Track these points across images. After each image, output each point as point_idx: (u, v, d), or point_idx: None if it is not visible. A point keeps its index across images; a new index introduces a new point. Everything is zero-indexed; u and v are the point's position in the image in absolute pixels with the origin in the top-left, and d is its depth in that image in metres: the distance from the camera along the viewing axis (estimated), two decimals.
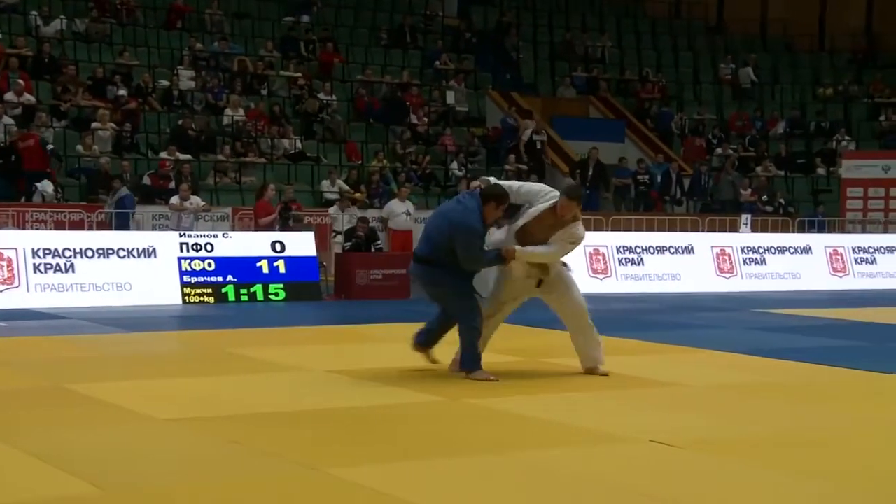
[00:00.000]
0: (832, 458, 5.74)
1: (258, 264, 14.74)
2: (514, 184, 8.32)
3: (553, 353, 9.56)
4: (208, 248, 14.52)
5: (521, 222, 7.88)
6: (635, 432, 6.22)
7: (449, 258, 7.77)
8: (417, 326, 8.42)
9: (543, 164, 23.86)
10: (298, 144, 22.05)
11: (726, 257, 17.77)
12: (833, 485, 5.16)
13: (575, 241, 7.99)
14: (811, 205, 24.44)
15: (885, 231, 22.32)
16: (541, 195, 7.93)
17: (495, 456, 5.64)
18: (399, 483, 5.04)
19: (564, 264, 8.22)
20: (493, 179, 8.14)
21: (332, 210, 18.72)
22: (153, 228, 17.36)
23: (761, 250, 18.14)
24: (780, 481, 5.20)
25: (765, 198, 24.20)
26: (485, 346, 8.16)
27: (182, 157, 19.97)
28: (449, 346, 8.20)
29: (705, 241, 18.00)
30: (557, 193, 7.91)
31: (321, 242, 17.04)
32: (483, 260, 7.84)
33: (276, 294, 14.68)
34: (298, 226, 16.81)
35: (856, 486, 5.15)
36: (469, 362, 7.96)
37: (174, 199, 17.01)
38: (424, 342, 8.30)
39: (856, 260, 18.97)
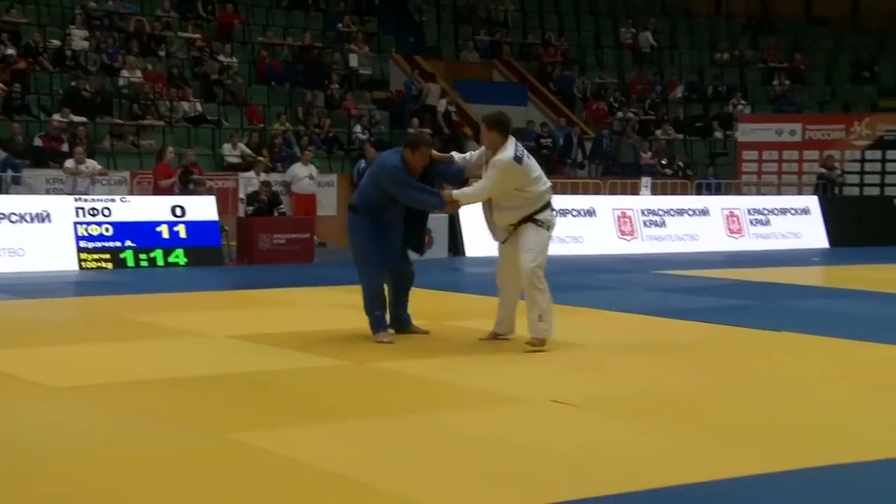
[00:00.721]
0: (721, 414, 5.90)
1: (158, 229, 14.49)
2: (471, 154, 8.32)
3: (457, 316, 9.61)
4: (105, 212, 14.21)
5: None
6: (537, 393, 6.31)
7: (370, 205, 7.91)
8: (328, 291, 8.39)
9: (458, 134, 23.87)
10: (198, 107, 21.64)
11: (627, 220, 18.07)
12: (719, 438, 5.30)
13: (496, 165, 7.59)
14: (710, 168, 24.92)
15: (779, 193, 22.91)
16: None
17: (398, 419, 5.66)
18: (301, 447, 5.03)
19: (542, 224, 7.73)
20: (456, 154, 8.39)
21: (247, 174, 18.40)
22: (47, 193, 16.91)
23: (661, 213, 18.48)
24: (671, 437, 5.33)
25: (664, 161, 24.62)
26: (507, 327, 8.05)
27: (76, 119, 19.44)
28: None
29: (607, 204, 18.27)
30: None
31: (223, 206, 16.82)
32: (415, 195, 7.82)
33: (177, 259, 14.47)
34: (200, 190, 16.55)
35: (737, 438, 5.30)
36: (371, 324, 8.04)
37: (69, 163, 16.56)
38: (399, 321, 8.24)
39: (751, 221, 19.46)
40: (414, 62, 25.72)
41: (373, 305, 8.04)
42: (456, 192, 7.85)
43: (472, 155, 8.21)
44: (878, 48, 29.39)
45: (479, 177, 7.94)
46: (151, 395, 6.20)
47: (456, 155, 8.36)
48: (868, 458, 4.91)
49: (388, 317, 8.16)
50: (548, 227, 7.79)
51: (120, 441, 5.21)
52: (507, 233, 7.83)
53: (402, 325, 8.28)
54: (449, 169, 8.12)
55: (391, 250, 8.04)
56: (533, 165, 7.77)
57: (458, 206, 8.05)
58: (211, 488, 4.45)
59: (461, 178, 8.13)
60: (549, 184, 7.85)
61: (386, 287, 8.19)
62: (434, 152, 8.10)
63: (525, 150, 7.86)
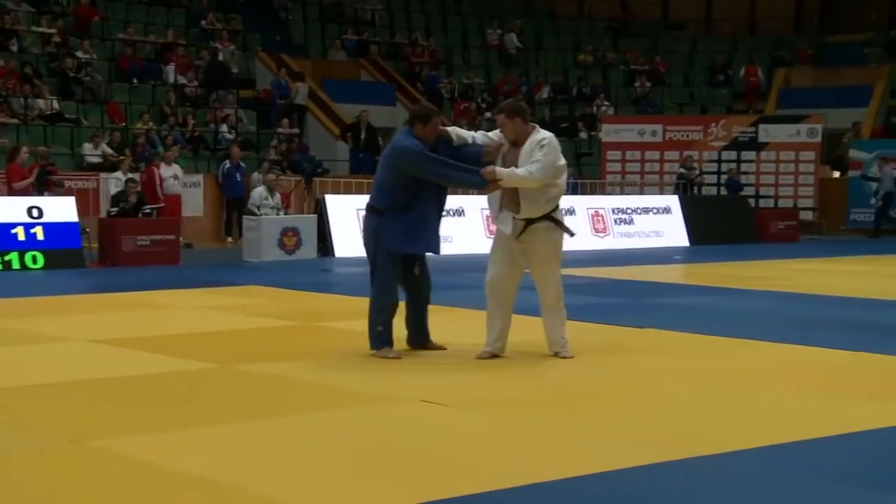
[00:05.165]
0: (589, 409, 6.01)
1: (13, 231, 14.00)
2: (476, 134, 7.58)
3: (326, 316, 9.55)
4: None
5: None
6: (407, 393, 6.30)
7: (395, 201, 7.16)
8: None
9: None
10: (55, 105, 20.95)
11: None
12: (589, 433, 5.40)
13: (545, 144, 6.99)
14: (575, 168, 25.37)
15: (642, 192, 23.48)
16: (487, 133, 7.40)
17: (266, 421, 5.58)
18: (167, 453, 4.91)
19: (566, 229, 7.29)
20: (455, 128, 7.58)
21: (111, 174, 17.87)
22: None
23: None
24: (535, 432, 5.40)
25: None
26: (496, 337, 7.33)
27: None
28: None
29: (475, 204, 18.40)
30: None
31: (84, 208, 16.33)
32: (451, 174, 7.09)
33: (35, 262, 13.98)
34: (59, 190, 16.01)
35: (606, 432, 5.41)
36: (371, 340, 7.41)
37: None
38: (414, 340, 7.60)
39: (615, 220, 19.89)
40: (281, 61, 25.45)
41: (377, 320, 7.32)
42: (502, 170, 6.97)
43: (474, 136, 7.41)
44: (731, 52, 30.45)
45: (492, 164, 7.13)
46: (8, 403, 5.96)
47: (455, 131, 7.45)
48: (729, 448, 5.07)
49: (392, 332, 7.40)
50: (570, 232, 7.32)
51: None
52: (517, 228, 7.11)
53: (423, 340, 7.59)
54: (465, 151, 7.25)
55: (428, 245, 7.33)
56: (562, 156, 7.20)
57: (499, 187, 7.06)
58: (71, 496, 4.30)
59: (480, 160, 7.20)
60: None
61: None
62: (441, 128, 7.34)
63: None
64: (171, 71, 23.33)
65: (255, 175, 19.17)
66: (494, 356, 7.34)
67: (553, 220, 7.21)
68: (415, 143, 7.15)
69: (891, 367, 7.39)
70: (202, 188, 20.12)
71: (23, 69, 21.32)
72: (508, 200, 7.14)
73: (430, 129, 7.20)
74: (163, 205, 17.34)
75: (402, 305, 7.58)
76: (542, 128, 7.42)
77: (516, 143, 7.19)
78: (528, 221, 7.13)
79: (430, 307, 7.70)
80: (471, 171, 7.08)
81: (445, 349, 7.64)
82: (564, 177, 7.20)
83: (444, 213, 7.57)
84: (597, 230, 19.56)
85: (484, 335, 7.45)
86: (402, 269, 7.42)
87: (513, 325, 7.51)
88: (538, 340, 7.92)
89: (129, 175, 17.26)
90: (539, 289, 7.35)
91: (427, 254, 7.51)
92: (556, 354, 7.43)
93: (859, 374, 7.18)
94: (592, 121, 27.54)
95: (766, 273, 14.51)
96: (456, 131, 7.51)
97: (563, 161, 7.19)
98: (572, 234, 7.39)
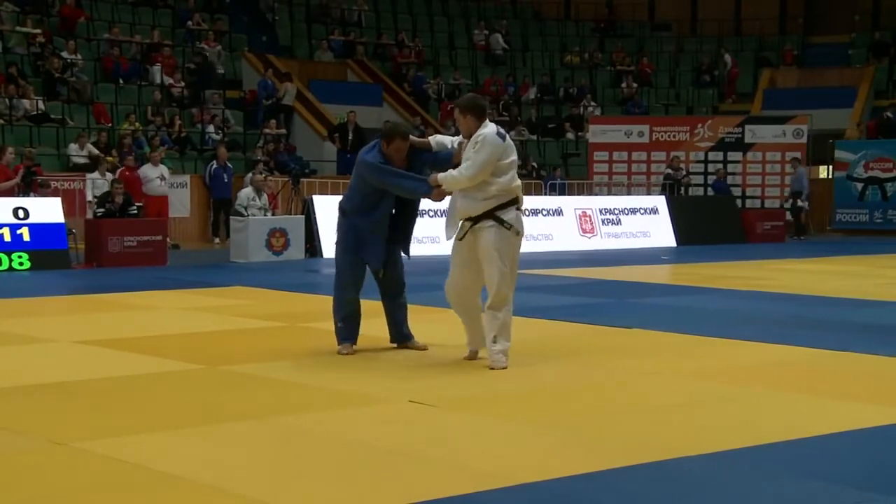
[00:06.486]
0: (577, 411, 6.02)
1: None
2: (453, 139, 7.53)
3: (313, 317, 9.54)
4: None
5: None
6: (394, 393, 6.30)
7: (359, 205, 7.44)
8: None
9: None
10: (41, 105, 20.88)
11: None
12: (576, 434, 5.40)
13: (481, 141, 6.86)
14: (563, 169, 25.43)
15: (629, 193, 23.54)
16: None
17: (254, 422, 5.56)
18: (151, 454, 4.89)
19: (509, 228, 6.95)
20: (438, 137, 7.60)
21: (92, 175, 17.81)
22: None
23: None
24: (521, 433, 5.40)
25: (519, 162, 24.96)
26: (470, 339, 7.28)
27: None
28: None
29: None
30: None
31: (70, 208, 16.28)
32: (400, 182, 7.26)
33: (21, 263, 13.94)
34: (44, 191, 15.95)
35: (592, 434, 5.42)
36: (335, 334, 7.68)
37: None
38: (392, 337, 7.77)
39: (603, 221, 19.93)
40: (267, 62, 25.42)
41: (335, 317, 7.62)
42: (441, 176, 7.04)
43: (453, 140, 7.43)
44: (717, 53, 30.56)
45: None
46: None
47: (435, 139, 7.54)
48: (715, 449, 5.08)
49: (351, 328, 7.60)
50: (516, 231, 6.97)
51: None
52: (462, 230, 7.05)
53: (401, 339, 7.75)
54: (437, 156, 7.41)
55: (366, 255, 7.51)
56: (513, 151, 7.04)
57: (445, 193, 7.10)
58: (54, 497, 4.29)
59: (451, 164, 7.29)
60: (519, 181, 7.08)
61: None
62: (413, 139, 7.49)
63: (507, 133, 7.15)
64: (157, 71, 23.27)
65: (248, 177, 19.13)
66: (476, 356, 7.30)
67: (496, 219, 6.95)
68: (374, 158, 7.35)
69: (877, 367, 7.41)
70: (189, 189, 20.09)
71: (7, 69, 21.24)
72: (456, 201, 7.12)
73: (392, 148, 7.34)
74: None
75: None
76: (529, 128, 7.44)
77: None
78: (473, 221, 6.99)
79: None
80: (419, 180, 7.23)
81: (426, 349, 7.69)
82: (510, 175, 6.93)
83: (416, 217, 7.70)
84: (584, 230, 19.59)
85: None
86: (370, 270, 7.59)
87: None
88: (528, 340, 7.93)
89: (109, 176, 17.21)
90: (487, 289, 7.09)
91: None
92: (471, 356, 7.28)
93: (845, 374, 7.20)
94: (579, 121, 27.59)
95: (752, 273, 14.55)
96: (437, 139, 7.57)
97: (509, 158, 6.94)
98: (518, 233, 7.00)
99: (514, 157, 7.06)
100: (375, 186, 7.40)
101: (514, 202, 7.00)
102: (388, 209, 7.48)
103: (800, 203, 23.08)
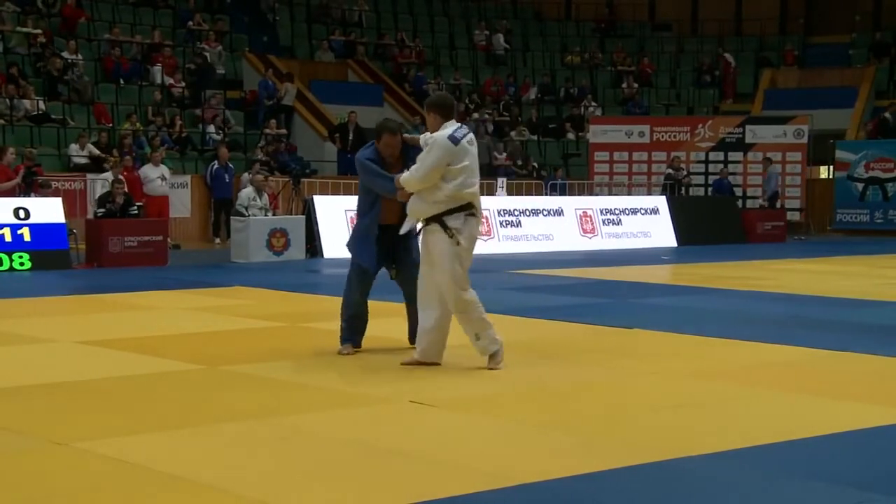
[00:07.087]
0: (578, 410, 6.02)
1: (0, 232, 13.92)
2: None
3: (314, 317, 9.54)
4: None
5: None
6: (395, 393, 6.30)
7: (362, 204, 7.51)
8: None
9: None
10: (42, 105, 20.88)
11: (483, 220, 18.23)
12: (577, 434, 5.41)
13: (431, 143, 6.82)
14: (563, 169, 25.43)
15: (630, 193, 23.53)
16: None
17: (254, 422, 5.57)
18: (152, 454, 4.90)
19: (450, 232, 6.81)
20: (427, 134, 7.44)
21: (101, 175, 17.81)
22: None
23: (517, 213, 18.74)
24: (521, 433, 5.40)
25: (519, 162, 24.97)
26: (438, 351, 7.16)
27: None
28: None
29: None
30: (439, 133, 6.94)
31: (71, 208, 16.28)
32: (374, 181, 7.31)
33: (22, 263, 13.94)
34: (45, 191, 15.96)
35: (593, 434, 5.42)
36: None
37: None
38: (410, 337, 7.66)
39: (603, 221, 19.93)
40: (268, 62, 25.42)
41: (342, 317, 7.63)
42: (400, 176, 6.99)
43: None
44: (717, 53, 30.55)
45: None
46: None
47: (425, 136, 7.28)
48: (714, 449, 5.08)
49: (355, 329, 7.60)
50: (457, 240, 6.79)
51: None
52: (414, 228, 7.08)
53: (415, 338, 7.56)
54: (419, 153, 7.24)
55: (361, 256, 7.49)
56: (467, 155, 6.82)
57: (408, 193, 6.98)
58: (56, 497, 4.29)
59: None
60: (475, 188, 6.87)
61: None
62: (405, 136, 7.45)
63: (469, 137, 6.95)
64: (157, 72, 23.28)
65: (245, 176, 19.15)
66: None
67: (442, 224, 6.82)
68: (366, 156, 7.41)
69: (876, 367, 7.42)
70: (189, 189, 20.09)
71: (8, 70, 21.25)
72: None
73: (382, 144, 7.40)
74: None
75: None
76: (530, 128, 7.40)
77: None
78: (425, 223, 6.95)
79: None
80: (388, 179, 7.20)
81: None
82: (460, 180, 6.75)
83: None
84: (585, 231, 19.60)
85: None
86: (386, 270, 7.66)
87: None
88: (528, 340, 7.94)
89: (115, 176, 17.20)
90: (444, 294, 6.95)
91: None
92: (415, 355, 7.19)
93: (845, 374, 7.21)
94: (580, 122, 27.58)
95: (752, 273, 14.56)
96: (426, 136, 7.45)
97: (460, 163, 6.77)
98: (458, 243, 6.80)
99: (468, 162, 6.84)
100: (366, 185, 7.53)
101: (466, 208, 6.85)
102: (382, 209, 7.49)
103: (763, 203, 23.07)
